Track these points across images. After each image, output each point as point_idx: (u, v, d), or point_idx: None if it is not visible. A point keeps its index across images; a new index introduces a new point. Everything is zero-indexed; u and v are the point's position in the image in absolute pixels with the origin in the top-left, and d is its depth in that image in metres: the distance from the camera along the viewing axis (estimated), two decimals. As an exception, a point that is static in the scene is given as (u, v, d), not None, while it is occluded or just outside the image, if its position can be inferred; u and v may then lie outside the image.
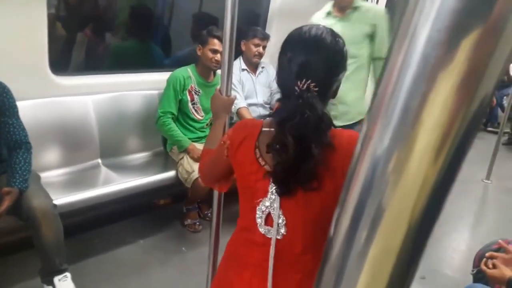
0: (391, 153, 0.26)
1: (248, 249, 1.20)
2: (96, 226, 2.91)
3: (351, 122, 2.76)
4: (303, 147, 1.02)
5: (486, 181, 4.78)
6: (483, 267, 1.66)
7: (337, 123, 2.37)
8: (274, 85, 3.79)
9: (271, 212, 1.13)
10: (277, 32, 3.67)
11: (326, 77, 1.10)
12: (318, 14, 2.87)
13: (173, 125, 3.01)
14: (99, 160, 2.98)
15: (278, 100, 1.19)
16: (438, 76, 0.23)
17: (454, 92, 0.23)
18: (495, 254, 1.71)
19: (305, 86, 1.04)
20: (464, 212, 3.87)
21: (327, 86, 1.12)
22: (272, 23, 4.13)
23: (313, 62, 1.09)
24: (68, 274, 2.25)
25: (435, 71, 0.23)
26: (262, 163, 1.14)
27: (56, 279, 2.21)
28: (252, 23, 4.20)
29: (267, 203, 1.14)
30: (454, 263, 3.13)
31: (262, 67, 3.68)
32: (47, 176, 2.64)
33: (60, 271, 2.23)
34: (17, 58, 2.49)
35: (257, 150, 1.15)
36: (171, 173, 3.01)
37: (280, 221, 1.12)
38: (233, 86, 3.39)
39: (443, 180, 0.28)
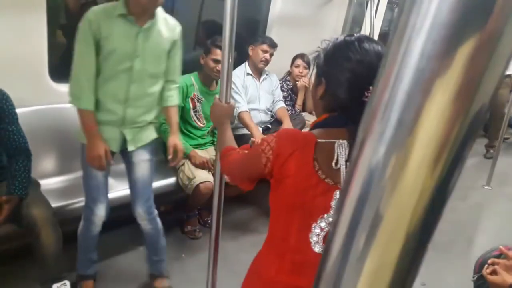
0: (387, 163, 0.26)
1: (293, 274, 1.13)
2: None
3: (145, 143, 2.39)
4: None
5: (487, 187, 4.78)
6: (484, 273, 1.66)
7: (131, 147, 2.24)
8: (277, 93, 3.82)
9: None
10: (277, 39, 3.70)
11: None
12: (98, 8, 2.06)
13: None
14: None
15: (328, 110, 1.16)
16: (433, 88, 0.23)
17: (450, 104, 0.23)
18: (497, 260, 1.70)
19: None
20: (464, 218, 3.86)
21: None
22: (271, 30, 4.15)
23: (373, 72, 1.05)
24: (67, 282, 2.24)
25: (430, 83, 0.23)
26: (323, 176, 1.09)
27: (54, 286, 2.20)
28: (251, 31, 4.22)
29: (331, 219, 1.08)
30: (455, 270, 3.12)
31: (266, 74, 3.73)
32: (46, 183, 2.64)
33: (59, 279, 2.22)
34: (16, 65, 2.49)
35: (315, 163, 1.09)
36: (171, 180, 3.00)
37: None
38: (236, 89, 3.45)
39: (441, 189, 0.27)
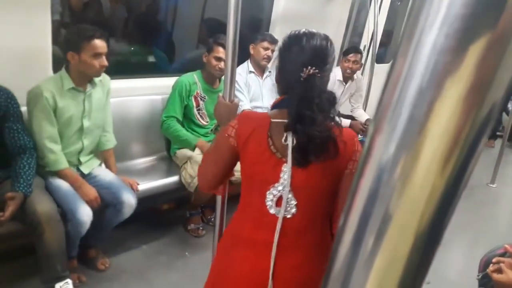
0: (397, 161, 0.26)
1: (255, 230, 1.33)
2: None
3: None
4: (319, 122, 1.20)
5: (491, 185, 4.76)
6: (489, 272, 1.65)
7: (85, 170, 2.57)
8: None
9: (283, 194, 1.26)
10: (280, 37, 3.68)
11: (324, 64, 1.30)
12: (48, 85, 2.33)
13: (178, 126, 3.01)
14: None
15: (281, 92, 1.39)
16: (445, 83, 0.22)
17: (462, 99, 0.22)
18: (502, 259, 1.69)
19: (311, 72, 1.25)
20: (469, 216, 3.84)
21: (326, 72, 1.32)
22: (274, 28, 4.14)
23: (314, 53, 1.29)
24: (69, 281, 2.24)
25: (442, 78, 0.22)
26: (274, 150, 1.29)
27: (57, 286, 2.21)
28: (254, 29, 4.21)
29: (280, 188, 1.28)
30: (459, 268, 3.11)
31: (269, 72, 3.72)
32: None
33: (61, 277, 2.22)
34: (20, 63, 2.49)
35: (269, 140, 1.30)
36: (174, 178, 3.00)
37: (293, 202, 1.27)
38: (239, 88, 3.45)
39: (452, 188, 0.27)
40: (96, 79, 2.49)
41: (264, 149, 1.29)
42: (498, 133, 6.30)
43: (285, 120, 1.26)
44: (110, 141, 2.73)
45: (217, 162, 1.40)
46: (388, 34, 5.50)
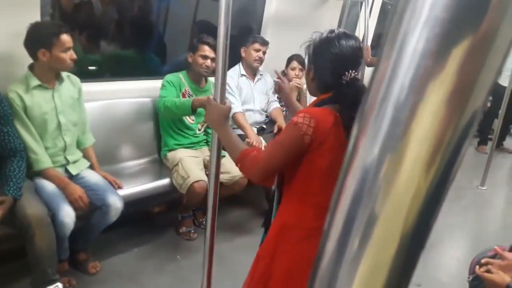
0: (381, 163, 0.26)
1: (321, 219, 1.38)
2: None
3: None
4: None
5: (481, 187, 4.80)
6: (479, 272, 1.66)
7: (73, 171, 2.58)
8: (271, 94, 3.83)
9: None
10: (271, 40, 3.70)
11: (359, 64, 1.54)
12: (14, 86, 2.34)
13: (172, 98, 2.95)
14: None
15: (322, 91, 1.55)
16: (427, 86, 0.22)
17: (444, 103, 0.23)
18: (491, 260, 1.70)
19: (352, 75, 1.46)
20: (459, 218, 3.87)
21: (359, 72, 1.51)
22: (266, 31, 4.15)
23: (347, 61, 1.48)
24: (60, 284, 2.23)
25: (424, 81, 0.22)
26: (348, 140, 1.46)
27: (48, 290, 2.19)
28: (246, 31, 4.22)
29: None
30: (450, 270, 3.13)
31: (261, 75, 3.74)
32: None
33: (52, 281, 2.20)
34: (10, 65, 2.47)
35: (345, 132, 1.46)
36: (165, 181, 2.99)
37: None
38: (230, 90, 3.46)
39: (436, 190, 0.27)
40: (64, 75, 2.52)
41: (341, 143, 1.44)
42: (490, 137, 6.35)
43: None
44: (88, 139, 2.75)
45: (287, 156, 1.47)
46: (378, 37, 5.53)
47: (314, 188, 1.49)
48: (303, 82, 3.76)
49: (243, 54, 3.60)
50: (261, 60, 3.59)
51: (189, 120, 3.13)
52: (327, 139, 1.43)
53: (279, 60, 3.87)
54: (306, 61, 1.69)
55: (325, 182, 1.46)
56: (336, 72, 1.46)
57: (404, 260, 0.31)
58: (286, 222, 1.55)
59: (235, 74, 3.60)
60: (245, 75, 3.63)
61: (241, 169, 1.57)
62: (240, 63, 3.65)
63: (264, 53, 3.58)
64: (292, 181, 1.53)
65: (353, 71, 1.44)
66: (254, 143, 3.27)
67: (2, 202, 2.07)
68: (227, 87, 3.57)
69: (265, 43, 3.57)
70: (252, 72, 3.67)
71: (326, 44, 1.49)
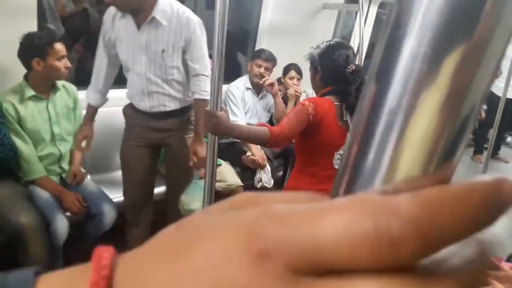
0: (376, 169, 0.25)
1: (322, 184, 2.02)
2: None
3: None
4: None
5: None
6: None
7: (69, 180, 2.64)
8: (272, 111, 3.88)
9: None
10: (267, 49, 3.71)
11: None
12: (9, 96, 2.41)
13: None
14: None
15: (326, 85, 2.16)
16: (421, 91, 0.22)
17: (438, 108, 0.23)
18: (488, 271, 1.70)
19: (353, 67, 2.08)
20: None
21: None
22: (261, 40, 4.17)
23: (350, 53, 2.15)
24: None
25: (418, 86, 0.22)
26: (341, 124, 2.07)
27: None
28: (242, 40, 4.23)
29: (341, 151, 1.92)
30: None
31: (264, 93, 3.78)
32: (34, 192, 2.59)
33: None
34: (7, 73, 2.47)
35: (336, 117, 2.06)
36: (162, 188, 2.98)
37: None
38: (234, 101, 3.49)
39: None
40: (59, 84, 2.57)
41: (334, 123, 2.04)
42: (485, 146, 6.37)
43: (341, 103, 2.08)
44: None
45: (296, 127, 1.96)
46: (374, 46, 5.57)
47: (313, 157, 2.08)
48: (300, 90, 3.79)
49: (248, 68, 3.63)
50: (261, 76, 3.56)
51: None
52: (323, 120, 1.99)
53: (274, 69, 3.89)
54: (310, 65, 2.20)
55: (319, 155, 2.07)
56: (341, 66, 2.06)
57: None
58: (287, 187, 2.19)
59: (241, 86, 3.63)
60: (250, 89, 3.66)
61: (272, 145, 1.96)
62: (247, 76, 3.68)
63: (266, 68, 3.57)
64: (296, 158, 2.16)
65: (353, 64, 2.06)
66: (260, 160, 3.31)
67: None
68: (231, 96, 3.61)
69: (268, 59, 3.56)
70: (257, 87, 3.69)
71: (330, 50, 2.10)
